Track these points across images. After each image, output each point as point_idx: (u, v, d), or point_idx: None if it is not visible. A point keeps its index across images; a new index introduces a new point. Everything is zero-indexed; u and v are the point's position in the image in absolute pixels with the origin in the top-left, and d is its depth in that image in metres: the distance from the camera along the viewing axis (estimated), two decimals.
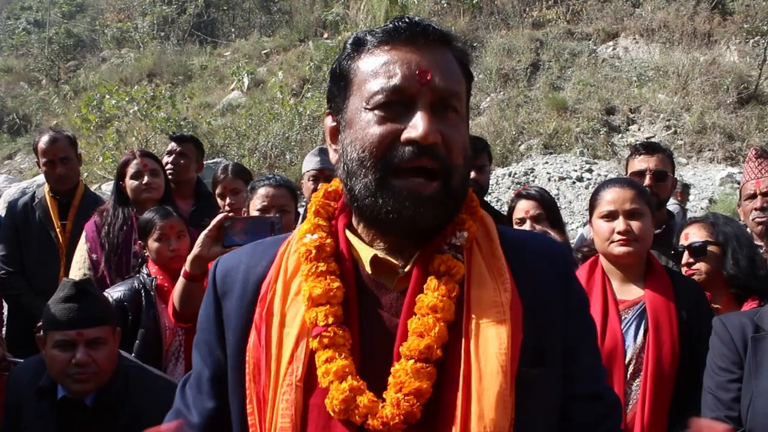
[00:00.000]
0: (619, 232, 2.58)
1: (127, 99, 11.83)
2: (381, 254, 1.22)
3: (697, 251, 2.87)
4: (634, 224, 2.58)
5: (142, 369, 2.73)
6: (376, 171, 1.15)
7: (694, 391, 2.36)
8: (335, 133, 1.27)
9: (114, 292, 3.15)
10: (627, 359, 2.50)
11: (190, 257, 2.72)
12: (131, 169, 3.74)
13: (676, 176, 3.77)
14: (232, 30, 18.63)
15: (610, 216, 2.63)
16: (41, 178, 6.16)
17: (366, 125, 1.17)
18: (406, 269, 1.21)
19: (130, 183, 3.74)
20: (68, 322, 2.49)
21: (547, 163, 10.32)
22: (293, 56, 15.56)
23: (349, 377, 1.13)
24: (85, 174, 10.93)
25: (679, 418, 2.43)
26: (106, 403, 2.54)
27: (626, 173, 3.67)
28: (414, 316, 1.16)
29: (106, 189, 8.71)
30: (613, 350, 2.48)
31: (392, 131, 1.15)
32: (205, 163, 4.75)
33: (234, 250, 1.38)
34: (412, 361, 1.13)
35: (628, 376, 2.50)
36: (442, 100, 1.17)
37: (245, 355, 1.24)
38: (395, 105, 1.16)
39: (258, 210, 3.06)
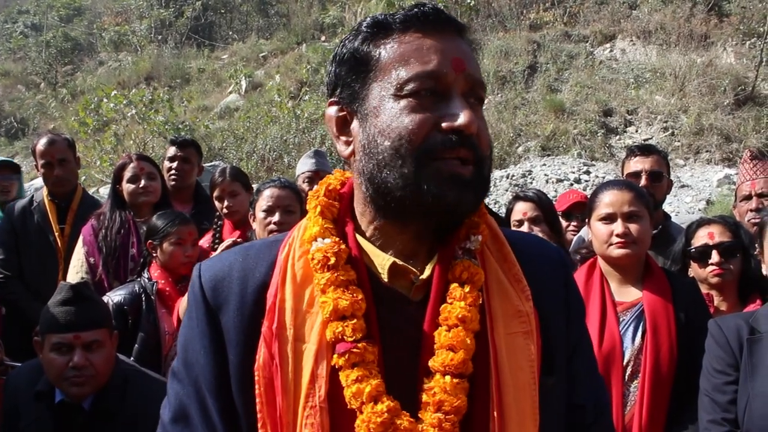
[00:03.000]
0: (617, 235, 2.58)
1: (124, 102, 11.84)
2: (399, 261, 1.14)
3: (729, 251, 2.84)
4: (633, 227, 2.59)
5: (140, 372, 2.73)
6: (414, 158, 1.07)
7: (692, 392, 2.36)
8: (344, 123, 1.18)
9: (114, 296, 3.15)
10: (625, 361, 2.51)
11: None
12: (128, 173, 3.74)
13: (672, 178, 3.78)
14: (230, 33, 18.64)
15: (609, 218, 2.63)
16: (39, 181, 6.15)
17: (400, 113, 1.08)
18: (424, 276, 1.14)
19: (126, 186, 3.73)
20: (65, 325, 2.49)
21: (544, 165, 10.32)
22: (291, 59, 15.58)
23: (384, 398, 1.06)
24: (83, 177, 10.93)
25: (677, 419, 2.44)
26: (103, 407, 2.54)
27: (622, 174, 3.68)
28: (440, 328, 1.10)
29: (104, 192, 8.71)
30: (611, 352, 2.48)
31: (430, 119, 1.08)
32: (203, 166, 4.75)
33: (218, 255, 1.24)
34: (449, 377, 1.07)
35: (626, 377, 2.50)
36: (473, 90, 1.13)
37: (252, 373, 1.12)
38: (429, 93, 1.09)
39: (263, 210, 3.10)
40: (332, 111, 1.18)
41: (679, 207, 9.10)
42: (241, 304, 1.15)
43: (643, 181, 3.40)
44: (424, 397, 1.07)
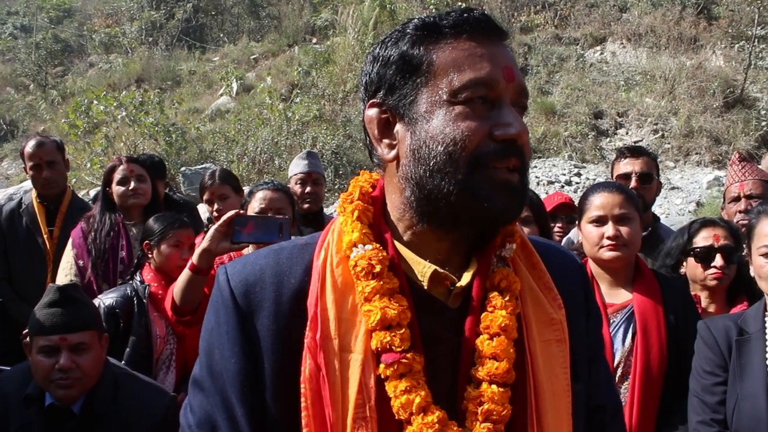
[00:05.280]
0: (608, 237, 2.59)
1: (115, 104, 11.78)
2: (440, 269, 1.12)
3: (730, 256, 2.87)
4: (623, 229, 2.60)
5: (132, 376, 2.71)
6: (467, 165, 1.06)
7: (681, 393, 2.38)
8: (386, 125, 1.15)
9: (106, 299, 3.12)
10: (615, 362, 2.52)
11: (198, 250, 2.77)
12: (118, 175, 3.73)
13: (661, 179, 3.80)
14: (221, 35, 18.60)
15: (600, 221, 2.64)
16: (28, 184, 6.11)
17: (455, 119, 1.07)
18: (463, 283, 1.13)
19: (116, 189, 3.72)
20: (52, 327, 2.47)
21: (535, 167, 10.35)
22: (282, 61, 15.55)
23: (433, 408, 1.05)
24: (73, 180, 10.87)
25: (667, 420, 2.45)
26: (94, 410, 2.52)
27: (612, 176, 3.70)
28: (482, 336, 1.10)
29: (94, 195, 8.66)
30: None
31: (484, 127, 1.07)
32: (193, 168, 4.73)
33: (244, 257, 1.21)
34: (495, 386, 1.07)
35: (617, 379, 2.51)
36: (519, 99, 1.13)
37: (291, 384, 1.08)
38: (482, 101, 1.08)
39: (256, 212, 3.11)
40: (373, 113, 1.15)
41: (669, 209, 9.15)
42: (277, 311, 1.12)
43: (632, 183, 3.42)
44: (470, 407, 1.07)
